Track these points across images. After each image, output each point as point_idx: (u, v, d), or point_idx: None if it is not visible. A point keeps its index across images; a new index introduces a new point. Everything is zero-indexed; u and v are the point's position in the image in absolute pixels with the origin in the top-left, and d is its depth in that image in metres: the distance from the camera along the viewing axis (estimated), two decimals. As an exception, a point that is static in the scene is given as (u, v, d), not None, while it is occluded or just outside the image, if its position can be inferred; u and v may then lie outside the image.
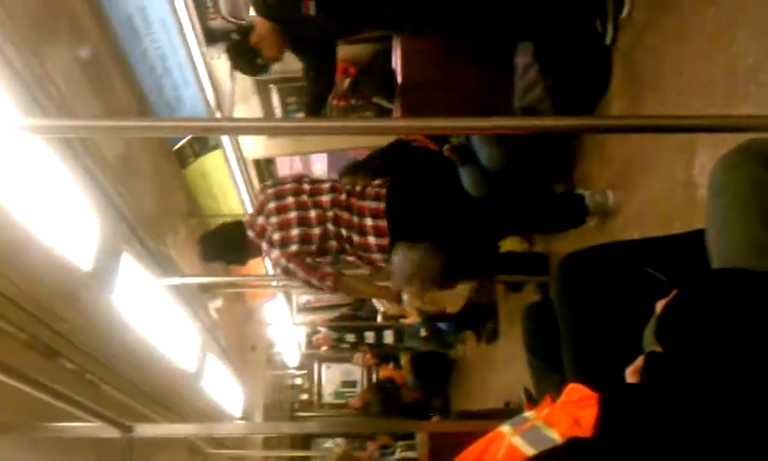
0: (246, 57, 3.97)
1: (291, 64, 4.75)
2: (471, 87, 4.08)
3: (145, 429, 3.39)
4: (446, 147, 4.10)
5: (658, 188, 2.99)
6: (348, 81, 5.42)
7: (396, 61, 4.78)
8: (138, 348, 5.03)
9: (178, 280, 5.38)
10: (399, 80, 4.62)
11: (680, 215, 2.71)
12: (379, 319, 9.14)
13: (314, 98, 4.29)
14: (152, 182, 5.55)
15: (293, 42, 3.94)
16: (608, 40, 3.48)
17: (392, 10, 3.63)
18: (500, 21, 3.62)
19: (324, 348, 9.74)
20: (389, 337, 9.13)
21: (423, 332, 8.07)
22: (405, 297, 5.69)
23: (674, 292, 1.02)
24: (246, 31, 3.90)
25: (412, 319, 7.69)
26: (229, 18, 5.17)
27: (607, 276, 1.80)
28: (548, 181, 4.37)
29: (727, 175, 1.18)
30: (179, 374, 6.00)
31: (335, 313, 10.77)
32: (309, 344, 9.83)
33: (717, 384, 0.84)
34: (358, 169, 4.82)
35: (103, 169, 4.34)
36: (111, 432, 3.18)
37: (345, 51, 4.11)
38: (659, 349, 0.98)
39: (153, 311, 5.23)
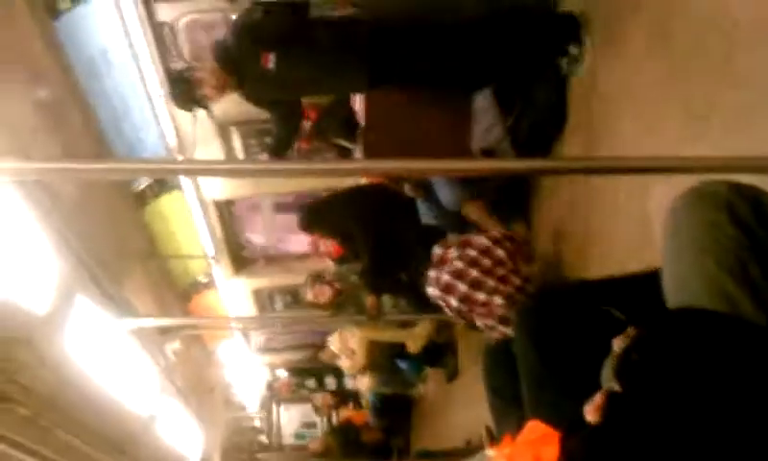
0: (184, 88, 3.80)
1: (253, 107, 4.74)
2: (432, 129, 4.11)
3: (101, 476, 3.31)
4: (407, 186, 4.14)
5: (613, 227, 3.03)
6: (309, 124, 5.43)
7: (359, 103, 4.81)
8: (94, 392, 4.92)
9: (135, 323, 5.29)
10: (361, 121, 4.65)
11: (636, 254, 2.75)
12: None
13: (280, 141, 4.25)
14: (109, 223, 5.48)
15: (255, 100, 3.92)
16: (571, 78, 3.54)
17: (352, 67, 3.61)
18: (463, 73, 3.65)
19: (285, 393, 9.65)
20: (350, 382, 9.04)
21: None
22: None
23: (630, 330, 1.03)
24: (193, 67, 3.76)
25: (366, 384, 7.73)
26: (192, 62, 5.16)
27: (565, 314, 1.83)
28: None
29: (682, 217, 1.21)
30: (135, 417, 5.88)
31: (295, 355, 10.68)
32: (271, 390, 9.69)
33: (676, 423, 0.85)
34: (318, 222, 4.89)
35: (59, 210, 4.28)
36: (66, 479, 3.10)
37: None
38: (617, 386, 0.99)
39: (109, 354, 5.13)
